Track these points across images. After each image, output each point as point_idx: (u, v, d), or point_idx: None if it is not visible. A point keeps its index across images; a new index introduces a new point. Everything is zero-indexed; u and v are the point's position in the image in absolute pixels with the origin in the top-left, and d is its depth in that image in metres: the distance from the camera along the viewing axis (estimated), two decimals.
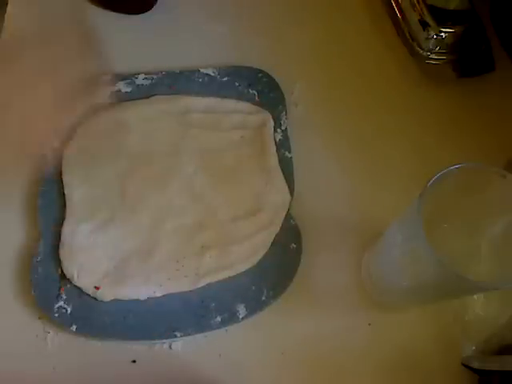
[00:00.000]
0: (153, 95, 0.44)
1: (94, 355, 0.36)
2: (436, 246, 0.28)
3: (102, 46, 0.44)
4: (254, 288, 0.38)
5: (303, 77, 0.47)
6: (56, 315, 0.36)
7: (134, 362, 0.37)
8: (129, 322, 0.37)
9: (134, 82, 0.45)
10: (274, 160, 0.42)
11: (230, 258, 0.39)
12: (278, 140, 0.43)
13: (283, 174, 0.42)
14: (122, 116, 0.43)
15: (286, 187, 0.42)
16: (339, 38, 0.50)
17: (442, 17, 0.45)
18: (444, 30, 0.45)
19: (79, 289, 0.37)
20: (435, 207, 0.30)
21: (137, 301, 0.37)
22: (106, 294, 0.37)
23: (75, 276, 0.37)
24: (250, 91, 0.45)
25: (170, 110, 0.44)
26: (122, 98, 0.44)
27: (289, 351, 0.38)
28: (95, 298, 0.37)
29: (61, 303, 0.37)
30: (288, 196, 0.41)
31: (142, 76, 0.45)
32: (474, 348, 0.38)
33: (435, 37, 0.45)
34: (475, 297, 0.39)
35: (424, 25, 0.46)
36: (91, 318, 0.37)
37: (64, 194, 0.40)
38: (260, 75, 0.46)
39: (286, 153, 0.43)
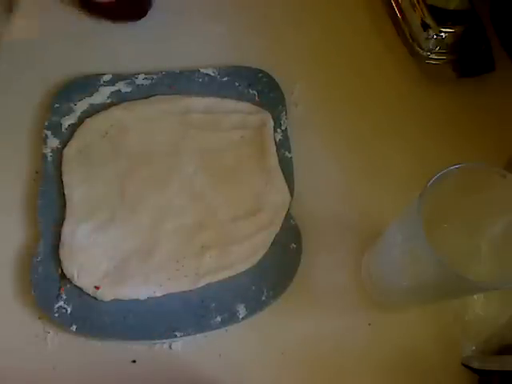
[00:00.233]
0: (153, 95, 0.44)
1: (94, 355, 0.36)
2: (436, 246, 0.28)
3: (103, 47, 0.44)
4: (253, 288, 0.38)
5: (303, 77, 0.47)
6: (56, 315, 0.36)
7: (134, 361, 0.37)
8: (129, 322, 0.37)
9: (134, 81, 0.45)
10: (273, 160, 0.42)
11: (229, 258, 0.39)
12: (278, 140, 0.43)
13: (283, 173, 0.42)
14: (121, 116, 0.43)
15: (286, 187, 0.42)
16: (339, 38, 0.50)
17: (442, 17, 0.45)
18: (444, 29, 0.45)
19: (79, 289, 0.37)
20: (435, 207, 0.30)
21: (137, 301, 0.37)
22: (106, 294, 0.37)
23: (75, 276, 0.37)
24: (250, 91, 0.45)
25: (170, 110, 0.44)
26: (121, 98, 0.44)
27: (289, 351, 0.38)
28: (95, 298, 0.37)
29: (61, 303, 0.37)
30: (288, 196, 0.41)
31: (142, 76, 0.45)
32: (473, 348, 0.38)
33: (435, 37, 0.45)
34: (475, 297, 0.39)
35: (424, 25, 0.45)
36: (91, 318, 0.37)
37: (64, 194, 0.40)
38: (260, 75, 0.46)
39: (286, 153, 0.43)
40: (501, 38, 0.49)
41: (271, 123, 0.44)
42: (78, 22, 0.48)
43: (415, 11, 0.46)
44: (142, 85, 0.45)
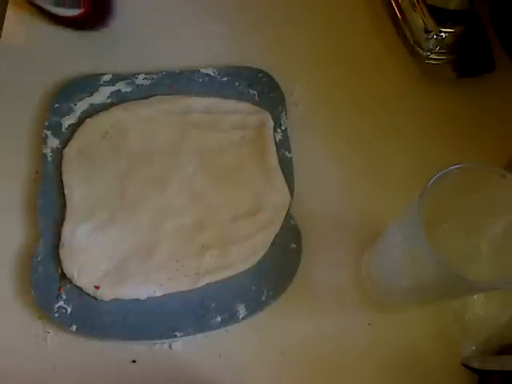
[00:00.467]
0: (153, 95, 0.44)
1: (94, 355, 0.36)
2: (436, 246, 0.28)
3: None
4: (253, 288, 0.38)
5: (303, 77, 0.47)
6: (56, 315, 0.36)
7: (134, 361, 0.37)
8: (129, 322, 0.37)
9: (134, 82, 0.45)
10: (273, 160, 0.42)
11: (229, 258, 0.39)
12: (278, 140, 0.43)
13: (283, 173, 0.42)
14: (122, 116, 0.43)
15: (286, 187, 0.42)
16: (339, 38, 0.50)
17: (442, 17, 0.45)
18: (444, 29, 0.45)
19: (79, 289, 0.37)
20: (435, 207, 0.30)
21: (137, 301, 0.37)
22: (106, 294, 0.37)
23: (75, 276, 0.37)
24: (250, 91, 0.45)
25: (170, 110, 0.44)
26: (122, 98, 0.44)
27: (289, 351, 0.38)
28: (95, 298, 0.37)
29: (61, 303, 0.37)
30: (288, 196, 0.41)
31: (142, 76, 0.45)
32: (473, 348, 0.38)
33: (435, 37, 0.45)
34: (475, 297, 0.39)
35: (424, 25, 0.45)
36: (91, 317, 0.37)
37: (64, 194, 0.40)
38: (260, 75, 0.46)
39: (286, 153, 0.43)
40: (501, 38, 0.49)
41: (271, 123, 0.44)
42: None
43: (415, 11, 0.46)
44: (142, 85, 0.45)
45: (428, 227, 0.28)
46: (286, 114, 0.44)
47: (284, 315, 0.38)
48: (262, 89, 0.45)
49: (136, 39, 0.48)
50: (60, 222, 0.39)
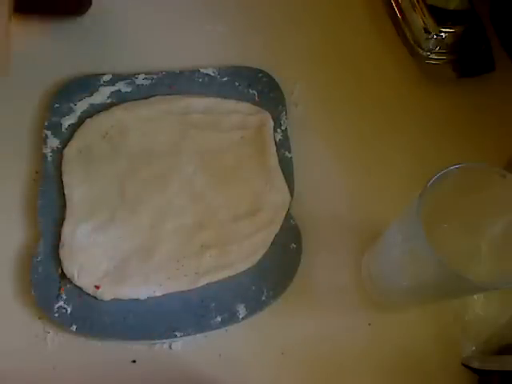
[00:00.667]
0: (153, 95, 0.44)
1: (94, 355, 0.36)
2: (436, 246, 0.28)
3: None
4: (253, 288, 0.38)
5: (303, 77, 0.47)
6: (56, 315, 0.36)
7: (134, 361, 0.37)
8: (129, 322, 0.37)
9: (134, 82, 0.45)
10: (273, 160, 0.42)
11: (229, 258, 0.39)
12: (278, 140, 0.43)
13: (283, 173, 0.42)
14: (122, 116, 0.43)
15: (286, 187, 0.42)
16: (339, 38, 0.50)
17: (442, 17, 0.45)
18: (444, 29, 0.45)
19: (79, 289, 0.37)
20: (435, 207, 0.30)
21: (137, 301, 0.37)
22: (106, 294, 0.37)
23: (75, 276, 0.37)
24: (250, 91, 0.45)
25: (170, 110, 0.44)
26: (122, 98, 0.44)
27: (289, 351, 0.38)
28: (95, 298, 0.37)
29: (61, 303, 0.37)
30: (288, 196, 0.41)
31: (142, 76, 0.45)
32: (473, 348, 0.38)
33: (435, 37, 0.45)
34: (475, 297, 0.39)
35: (424, 25, 0.45)
36: (91, 318, 0.37)
37: (64, 194, 0.40)
38: (260, 75, 0.46)
39: (286, 153, 0.43)
40: (501, 38, 0.49)
41: (271, 123, 0.44)
42: (77, 22, 0.48)
43: (415, 11, 0.46)
44: (142, 85, 0.45)
45: (428, 227, 0.28)
46: (286, 114, 0.44)
47: (284, 315, 0.38)
48: (262, 89, 0.45)
49: (136, 39, 0.48)
50: (60, 222, 0.39)
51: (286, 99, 0.45)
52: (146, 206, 0.40)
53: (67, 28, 0.47)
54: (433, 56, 0.47)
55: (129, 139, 0.42)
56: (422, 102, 0.47)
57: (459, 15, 0.46)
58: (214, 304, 0.38)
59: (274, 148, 0.43)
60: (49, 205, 0.40)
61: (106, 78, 0.44)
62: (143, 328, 0.37)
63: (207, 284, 0.38)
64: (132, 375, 0.36)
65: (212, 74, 0.46)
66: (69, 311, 0.37)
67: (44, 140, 0.42)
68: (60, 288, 0.37)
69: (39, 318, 0.37)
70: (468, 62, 0.47)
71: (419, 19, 0.46)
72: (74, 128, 0.42)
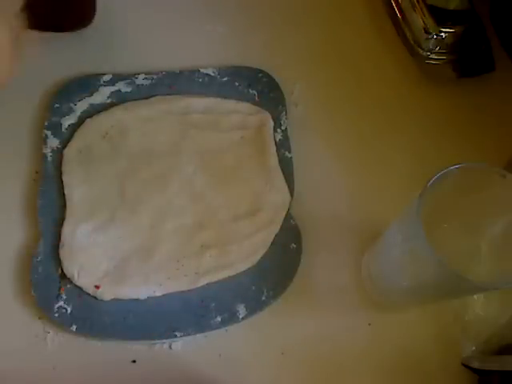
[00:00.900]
0: (153, 95, 0.44)
1: (94, 355, 0.36)
2: (436, 246, 0.28)
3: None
4: (253, 288, 0.38)
5: (303, 77, 0.47)
6: (56, 315, 0.36)
7: (134, 361, 0.37)
8: (129, 322, 0.37)
9: (134, 81, 0.45)
10: (273, 160, 0.42)
11: (229, 258, 0.39)
12: (278, 140, 0.43)
13: (283, 173, 0.42)
14: (122, 116, 0.43)
15: (286, 187, 0.42)
16: (339, 38, 0.50)
17: (442, 17, 0.45)
18: (444, 29, 0.45)
19: (79, 289, 0.37)
20: (435, 207, 0.30)
21: (137, 301, 0.37)
22: (106, 293, 0.37)
23: (75, 276, 0.37)
24: (250, 91, 0.45)
25: (170, 110, 0.44)
26: (122, 98, 0.44)
27: (289, 351, 0.38)
28: (95, 298, 0.37)
29: (61, 303, 0.37)
30: (288, 196, 0.41)
31: (142, 76, 0.45)
32: (473, 348, 0.38)
33: (435, 37, 0.45)
34: (475, 297, 0.39)
35: (424, 25, 0.45)
36: (91, 318, 0.37)
37: (64, 194, 0.40)
38: (260, 75, 0.46)
39: (286, 153, 0.43)
40: (501, 38, 0.49)
41: (271, 123, 0.44)
42: None
43: (415, 11, 0.46)
44: (142, 85, 0.45)
45: (428, 227, 0.28)
46: (286, 114, 0.44)
47: (284, 315, 0.38)
48: (262, 89, 0.45)
49: (136, 39, 0.48)
50: (60, 222, 0.39)
51: (286, 99, 0.45)
52: (146, 206, 0.40)
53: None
54: (433, 56, 0.47)
55: (129, 139, 0.42)
56: (422, 101, 0.47)
57: (459, 15, 0.46)
58: (214, 304, 0.38)
59: (274, 148, 0.43)
60: (49, 205, 0.40)
61: (106, 78, 0.44)
62: (143, 328, 0.37)
63: (207, 284, 0.38)
64: (132, 375, 0.36)
65: (212, 74, 0.46)
66: (69, 311, 0.37)
67: (44, 140, 0.42)
68: (60, 288, 0.37)
69: (39, 318, 0.37)
70: (468, 62, 0.47)
71: (419, 19, 0.46)
72: (74, 128, 0.42)
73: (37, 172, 0.41)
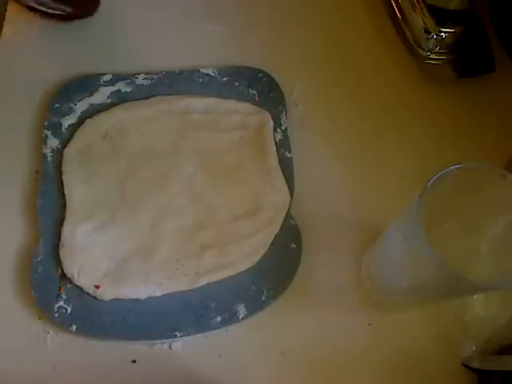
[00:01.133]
0: (153, 95, 0.44)
1: (94, 355, 0.36)
2: (436, 246, 0.28)
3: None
4: (253, 288, 0.38)
5: (303, 77, 0.47)
6: (56, 315, 0.36)
7: (134, 361, 0.37)
8: (129, 322, 0.37)
9: (134, 81, 0.45)
10: (273, 160, 0.42)
11: (229, 258, 0.39)
12: (278, 140, 0.43)
13: (283, 174, 0.42)
14: (122, 116, 0.43)
15: (286, 187, 0.42)
16: (339, 38, 0.50)
17: (442, 17, 0.45)
18: (444, 29, 0.45)
19: (79, 289, 0.37)
20: (435, 207, 0.30)
21: (137, 301, 0.37)
22: (106, 293, 0.37)
23: (75, 276, 0.37)
24: (250, 91, 0.45)
25: (170, 110, 0.44)
26: (122, 98, 0.44)
27: (289, 351, 0.38)
28: (95, 298, 0.37)
29: (61, 303, 0.37)
30: (288, 196, 0.41)
31: (142, 76, 0.45)
32: (473, 348, 0.38)
33: (435, 37, 0.45)
34: (475, 297, 0.39)
35: (424, 25, 0.45)
36: (91, 318, 0.37)
37: (64, 194, 0.40)
38: (260, 75, 0.46)
39: (286, 153, 0.43)
40: (501, 38, 0.49)
41: (271, 123, 0.44)
42: (77, 22, 0.48)
43: (415, 11, 0.46)
44: (142, 85, 0.45)
45: (428, 227, 0.28)
46: (286, 114, 0.44)
47: (284, 315, 0.38)
48: (262, 89, 0.45)
49: (136, 39, 0.48)
50: (60, 222, 0.39)
51: (286, 99, 0.45)
52: (146, 206, 0.40)
53: (67, 28, 0.47)
54: (433, 56, 0.47)
55: (129, 139, 0.42)
56: (422, 101, 0.47)
57: (459, 15, 0.46)
58: (214, 304, 0.38)
59: (274, 148, 0.43)
60: (49, 205, 0.40)
61: (106, 77, 0.44)
62: (143, 328, 0.37)
63: (207, 284, 0.38)
64: (132, 375, 0.36)
65: (212, 74, 0.46)
66: (69, 311, 0.37)
67: (44, 140, 0.42)
68: (60, 288, 0.37)
69: (39, 318, 0.37)
70: (468, 61, 0.47)
71: (419, 19, 0.46)
72: (74, 128, 0.42)
73: (37, 172, 0.41)
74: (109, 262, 0.38)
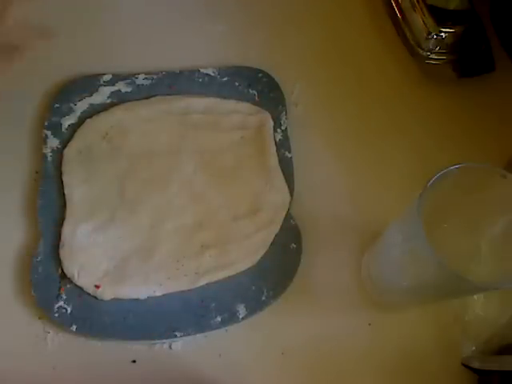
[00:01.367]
0: (153, 95, 0.44)
1: (94, 355, 0.36)
2: (436, 246, 0.28)
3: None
4: (253, 288, 0.38)
5: (303, 77, 0.47)
6: (56, 315, 0.36)
7: (134, 361, 0.37)
8: (129, 322, 0.37)
9: (134, 81, 0.45)
10: (273, 160, 0.42)
11: (229, 257, 0.39)
12: (278, 140, 0.43)
13: (283, 174, 0.42)
14: (122, 117, 0.43)
15: (286, 187, 0.42)
16: (339, 38, 0.50)
17: (442, 17, 0.45)
18: (444, 29, 0.45)
19: (79, 289, 0.37)
20: (435, 207, 0.30)
21: (137, 301, 0.37)
22: (106, 293, 0.37)
23: (75, 275, 0.37)
24: (250, 91, 0.45)
25: (170, 110, 0.44)
26: (122, 98, 0.44)
27: (289, 351, 0.38)
28: (95, 298, 0.37)
29: (61, 303, 0.37)
30: (288, 196, 0.41)
31: (142, 76, 0.45)
32: (474, 348, 0.38)
33: (435, 37, 0.45)
34: (475, 297, 0.39)
35: (424, 25, 0.45)
36: (91, 318, 0.37)
37: (64, 194, 0.40)
38: (260, 75, 0.46)
39: (286, 153, 0.43)
40: (501, 38, 0.49)
41: (271, 123, 0.44)
42: (77, 22, 0.48)
43: (415, 11, 0.46)
44: (142, 85, 0.45)
45: (428, 227, 0.28)
46: (286, 114, 0.44)
47: (284, 315, 0.38)
48: (262, 89, 0.45)
49: (136, 39, 0.48)
50: (60, 222, 0.39)
51: (286, 99, 0.45)
52: (146, 206, 0.40)
53: (67, 28, 0.47)
54: (433, 56, 0.47)
55: (129, 139, 0.42)
56: (422, 101, 0.47)
57: (459, 15, 0.46)
58: (214, 304, 0.38)
59: (274, 148, 0.43)
60: (49, 205, 0.40)
61: (106, 77, 0.44)
62: (143, 328, 0.37)
63: (207, 284, 0.38)
64: (132, 375, 0.36)
65: (212, 74, 0.46)
66: (69, 311, 0.37)
67: (44, 140, 0.42)
68: (60, 288, 0.37)
69: (39, 318, 0.37)
70: (468, 61, 0.47)
71: (419, 19, 0.46)
72: (74, 128, 0.42)
73: (37, 172, 0.41)
74: (109, 262, 0.38)
